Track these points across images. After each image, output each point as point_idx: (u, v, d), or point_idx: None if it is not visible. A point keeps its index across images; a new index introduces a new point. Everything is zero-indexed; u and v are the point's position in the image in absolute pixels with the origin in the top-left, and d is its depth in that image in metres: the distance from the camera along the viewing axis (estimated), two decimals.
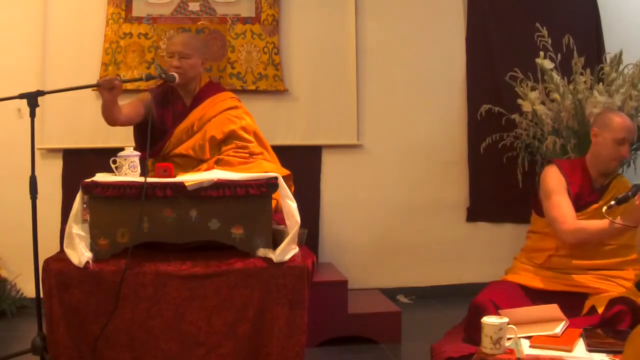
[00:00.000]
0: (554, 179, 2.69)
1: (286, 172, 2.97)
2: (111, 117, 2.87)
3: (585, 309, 2.45)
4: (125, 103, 2.97)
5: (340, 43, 3.96)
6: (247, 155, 2.97)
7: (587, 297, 2.54)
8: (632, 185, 2.49)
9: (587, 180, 2.72)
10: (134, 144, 3.03)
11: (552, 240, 2.68)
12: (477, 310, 2.40)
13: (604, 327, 2.29)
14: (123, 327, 2.34)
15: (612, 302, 2.38)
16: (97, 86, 2.74)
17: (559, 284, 2.59)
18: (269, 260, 2.42)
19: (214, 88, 3.20)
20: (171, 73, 2.84)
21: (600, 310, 2.38)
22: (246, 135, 3.03)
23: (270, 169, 2.86)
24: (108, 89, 2.72)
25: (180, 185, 2.41)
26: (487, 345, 2.10)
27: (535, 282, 2.64)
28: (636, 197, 2.33)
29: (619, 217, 2.40)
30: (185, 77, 3.05)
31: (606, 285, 2.53)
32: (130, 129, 3.31)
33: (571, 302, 2.49)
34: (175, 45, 3.06)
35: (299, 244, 2.53)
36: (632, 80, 3.63)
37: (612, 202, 2.43)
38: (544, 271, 2.66)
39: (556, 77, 3.73)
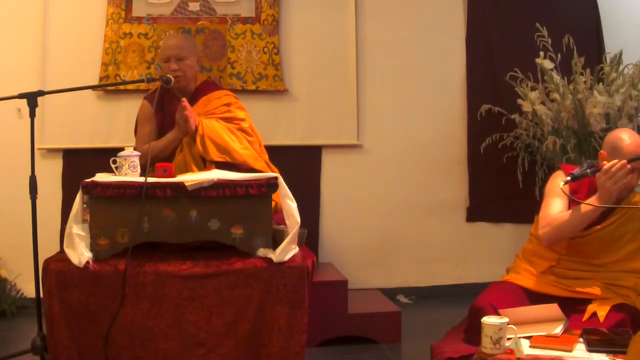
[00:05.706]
0: (557, 182, 2.55)
1: (264, 166, 2.96)
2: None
3: (588, 314, 2.41)
4: (145, 132, 3.06)
5: (340, 43, 3.96)
6: (236, 125, 3.04)
7: (589, 302, 2.47)
8: (585, 162, 2.44)
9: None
10: (134, 144, 3.03)
11: (552, 252, 2.61)
12: (477, 314, 2.36)
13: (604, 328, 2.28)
14: (123, 327, 2.34)
15: (615, 309, 2.36)
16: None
17: (561, 289, 2.54)
18: (269, 260, 2.42)
19: (209, 86, 3.22)
20: (167, 75, 2.81)
21: (601, 317, 2.35)
22: (240, 114, 3.08)
23: (246, 153, 2.91)
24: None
25: (180, 185, 2.41)
26: (487, 345, 2.10)
27: (538, 284, 2.59)
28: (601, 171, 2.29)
29: (592, 199, 2.37)
30: (186, 79, 3.07)
31: (610, 294, 2.47)
32: (130, 128, 3.31)
33: (573, 307, 2.45)
34: (170, 50, 3.06)
35: (299, 244, 2.53)
36: (632, 80, 3.63)
37: (568, 178, 2.39)
38: (547, 276, 2.60)
39: (556, 77, 3.73)
